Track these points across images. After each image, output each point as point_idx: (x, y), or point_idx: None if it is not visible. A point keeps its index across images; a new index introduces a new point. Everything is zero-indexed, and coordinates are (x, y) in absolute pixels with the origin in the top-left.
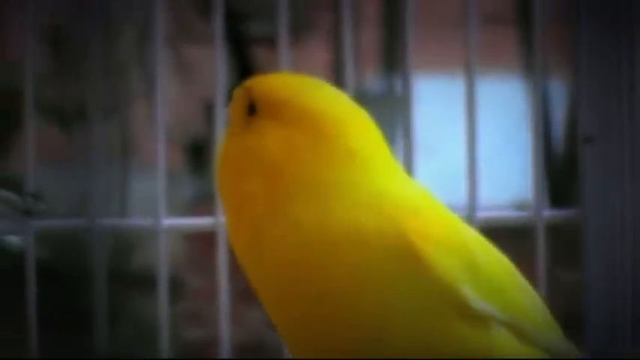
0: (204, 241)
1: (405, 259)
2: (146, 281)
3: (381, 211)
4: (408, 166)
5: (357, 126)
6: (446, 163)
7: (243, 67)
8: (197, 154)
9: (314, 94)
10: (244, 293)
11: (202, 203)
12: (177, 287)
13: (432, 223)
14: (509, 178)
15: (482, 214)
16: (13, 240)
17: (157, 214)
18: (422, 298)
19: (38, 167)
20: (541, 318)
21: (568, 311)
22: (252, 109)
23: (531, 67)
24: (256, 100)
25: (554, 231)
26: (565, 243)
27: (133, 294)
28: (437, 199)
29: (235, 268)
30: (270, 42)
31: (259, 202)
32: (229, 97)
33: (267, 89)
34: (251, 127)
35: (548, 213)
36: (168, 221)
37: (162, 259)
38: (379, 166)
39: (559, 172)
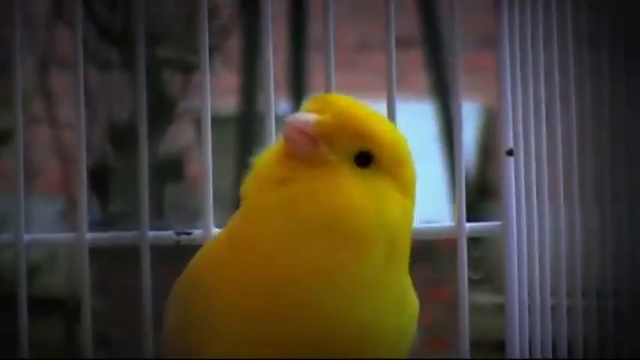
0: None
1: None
2: (43, 305)
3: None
4: None
5: None
6: None
7: (153, 91)
8: (98, 177)
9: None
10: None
11: (106, 225)
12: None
13: None
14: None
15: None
16: None
17: (80, 228)
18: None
19: None
20: None
21: (487, 330)
22: (366, 158)
23: (439, 89)
24: (377, 153)
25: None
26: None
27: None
28: None
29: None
30: (176, 65)
31: (370, 268)
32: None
33: (392, 146)
34: (371, 181)
35: (470, 225)
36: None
37: (86, 276)
38: None
39: (471, 189)
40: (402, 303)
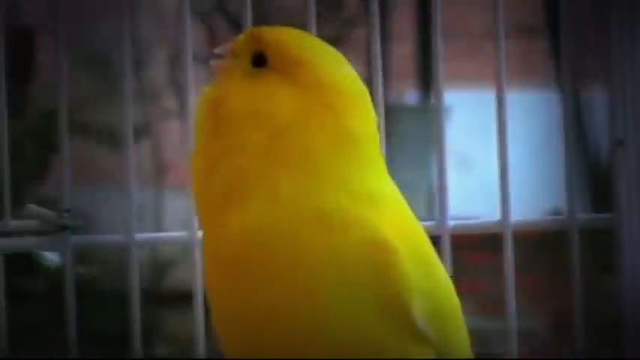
0: None
1: (372, 267)
2: (181, 298)
3: (360, 213)
4: (441, 176)
5: (360, 107)
6: (481, 174)
7: None
8: None
9: (330, 60)
10: None
11: None
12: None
13: (404, 235)
14: (545, 187)
15: (516, 219)
16: (51, 257)
17: (192, 227)
18: (377, 307)
19: (75, 188)
20: (466, 345)
21: (605, 317)
22: (260, 60)
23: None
24: (269, 53)
25: (592, 237)
26: (603, 249)
27: (168, 312)
28: (407, 207)
29: None
30: None
31: (248, 158)
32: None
33: (283, 44)
34: (258, 79)
35: (582, 217)
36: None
37: (198, 271)
38: (369, 157)
39: (600, 178)
40: (324, 217)
